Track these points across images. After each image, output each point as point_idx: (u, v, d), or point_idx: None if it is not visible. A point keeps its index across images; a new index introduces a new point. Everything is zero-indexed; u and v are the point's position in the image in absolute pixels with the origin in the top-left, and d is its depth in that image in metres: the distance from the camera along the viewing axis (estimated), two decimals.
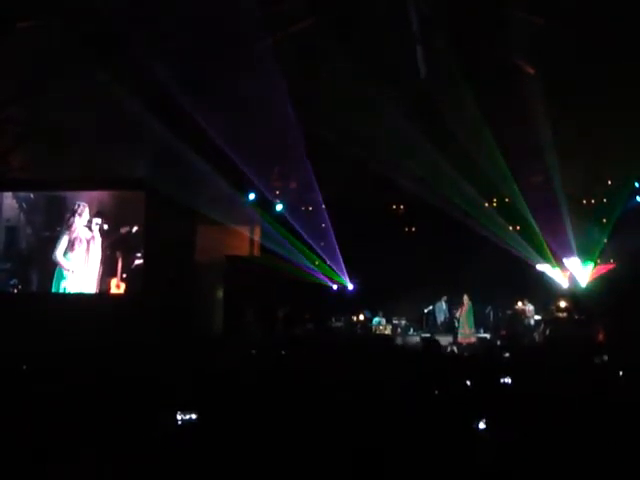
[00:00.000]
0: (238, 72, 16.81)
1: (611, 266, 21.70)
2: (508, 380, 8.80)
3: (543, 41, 16.13)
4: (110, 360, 10.36)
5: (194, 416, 6.67)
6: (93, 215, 21.21)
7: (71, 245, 21.24)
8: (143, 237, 20.99)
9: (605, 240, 21.49)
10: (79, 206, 21.26)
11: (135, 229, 21.04)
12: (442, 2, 15.71)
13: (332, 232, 21.72)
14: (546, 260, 21.65)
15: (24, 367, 10.19)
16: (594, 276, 21.71)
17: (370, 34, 16.15)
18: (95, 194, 21.55)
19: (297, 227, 21.56)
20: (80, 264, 21.22)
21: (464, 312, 21.69)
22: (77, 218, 21.26)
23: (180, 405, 6.79)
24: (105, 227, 21.10)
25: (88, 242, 21.21)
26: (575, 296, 21.36)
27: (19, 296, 21.65)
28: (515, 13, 15.45)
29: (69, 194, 21.75)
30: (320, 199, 21.62)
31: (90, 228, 21.18)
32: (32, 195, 22.11)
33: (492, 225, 21.02)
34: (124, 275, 21.07)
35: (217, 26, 15.38)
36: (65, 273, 21.18)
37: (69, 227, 21.28)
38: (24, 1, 14.88)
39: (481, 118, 18.02)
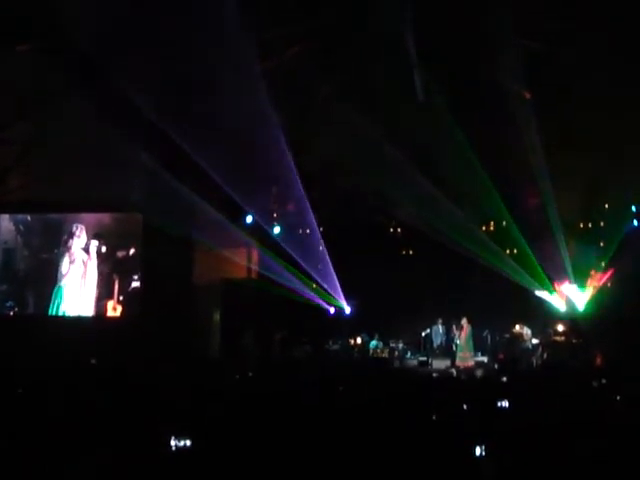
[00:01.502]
0: (233, 99, 16.86)
1: (608, 289, 21.66)
2: (505, 404, 8.78)
3: (539, 65, 16.22)
4: (106, 383, 10.32)
5: (188, 442, 6.61)
6: (90, 237, 21.23)
7: (69, 267, 21.24)
8: (140, 260, 20.98)
9: (603, 264, 21.50)
10: (77, 228, 21.28)
11: (132, 252, 21.04)
12: (437, 27, 15.78)
13: (329, 255, 21.72)
14: (542, 284, 21.64)
15: (19, 391, 10.15)
16: (591, 299, 21.68)
17: (365, 60, 16.23)
18: (92, 216, 21.59)
19: (294, 250, 21.54)
20: (77, 286, 21.20)
21: (464, 335, 21.63)
22: (74, 240, 21.27)
23: (175, 430, 6.74)
24: (102, 249, 21.14)
25: (85, 264, 21.22)
26: (572, 320, 21.31)
27: (16, 318, 21.59)
28: (511, 38, 15.49)
29: (66, 216, 21.80)
30: (316, 222, 21.64)
31: (87, 250, 21.19)
32: (29, 217, 22.13)
33: (488, 249, 21.04)
34: (121, 298, 21.06)
35: (212, 55, 15.49)
36: (62, 295, 21.15)
37: (67, 249, 21.29)
38: (23, 24, 14.91)
39: (477, 142, 18.12)
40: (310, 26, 15.79)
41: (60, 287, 21.36)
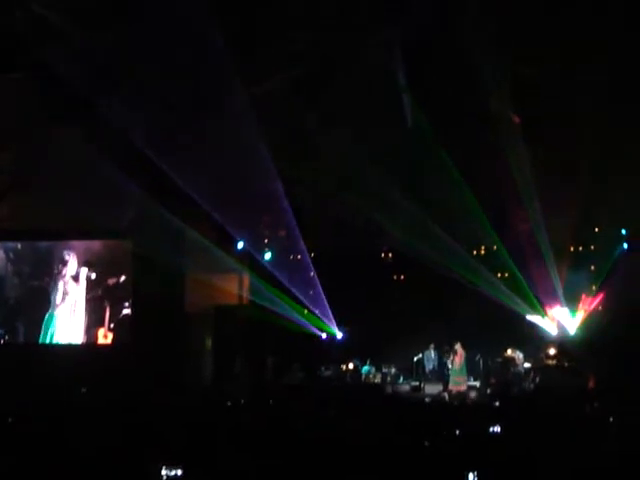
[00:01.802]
0: (223, 127, 16.93)
1: (600, 313, 21.68)
2: (497, 429, 8.77)
3: (528, 90, 16.31)
4: (95, 412, 10.27)
5: (180, 472, 6.58)
6: (81, 265, 21.18)
7: (59, 295, 21.18)
8: (131, 287, 20.92)
9: (594, 287, 21.54)
10: (67, 256, 21.23)
11: (123, 279, 20.98)
12: (426, 53, 15.87)
13: (320, 280, 21.73)
14: (533, 308, 21.66)
15: (9, 420, 10.10)
16: (582, 323, 21.69)
17: (353, 87, 16.29)
18: (83, 244, 21.54)
19: (285, 275, 21.53)
20: (68, 314, 21.14)
21: (459, 360, 21.63)
22: (65, 268, 21.23)
23: (167, 459, 6.71)
24: (92, 277, 21.06)
25: (76, 292, 21.15)
26: (564, 343, 21.31)
27: (6, 347, 21.48)
28: (500, 63, 15.59)
29: (56, 244, 21.74)
30: (307, 248, 21.69)
31: (77, 278, 21.13)
32: (19, 245, 22.08)
33: (479, 274, 21.08)
34: (112, 325, 20.97)
35: (202, 85, 15.59)
36: (53, 323, 21.08)
37: (57, 277, 21.25)
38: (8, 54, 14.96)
39: (466, 167, 18.21)
40: (297, 53, 15.83)
41: (51, 315, 21.26)
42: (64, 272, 21.29)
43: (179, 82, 15.55)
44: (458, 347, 21.56)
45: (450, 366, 21.70)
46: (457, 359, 21.58)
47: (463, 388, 21.08)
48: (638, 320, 19.33)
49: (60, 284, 21.29)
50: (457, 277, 20.74)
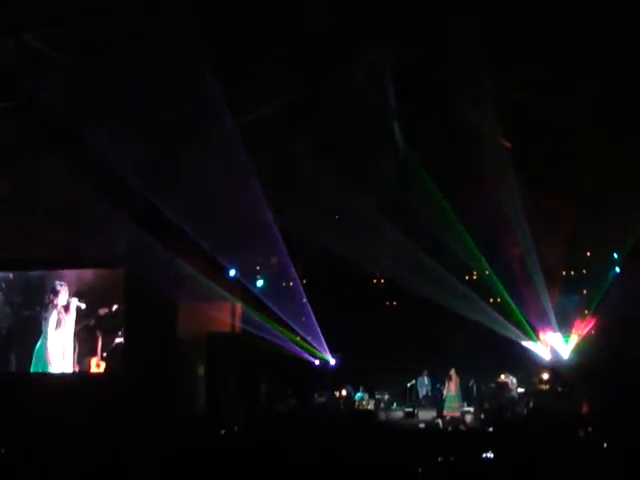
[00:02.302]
0: (212, 156, 17.00)
1: (592, 337, 21.70)
2: (490, 455, 8.75)
3: (518, 114, 16.38)
4: (89, 442, 10.23)
5: None
6: (72, 295, 21.15)
7: (51, 325, 21.13)
8: (123, 316, 20.88)
9: (586, 312, 21.58)
10: (59, 286, 21.20)
11: (115, 307, 20.94)
12: (418, 76, 15.93)
13: (312, 307, 21.74)
14: (526, 334, 21.69)
15: (2, 450, 10.05)
16: (575, 348, 21.71)
17: (341, 113, 16.36)
18: (74, 273, 21.51)
19: (278, 302, 21.54)
20: (60, 344, 21.08)
21: (454, 386, 21.70)
22: (57, 298, 21.19)
23: None
24: (84, 306, 21.02)
25: (68, 321, 21.11)
26: (557, 368, 21.31)
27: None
28: (491, 86, 15.65)
29: (47, 273, 21.71)
30: (299, 274, 21.74)
31: (68, 307, 21.09)
32: (11, 275, 22.04)
33: (471, 299, 21.12)
34: (104, 354, 20.90)
35: (193, 115, 15.69)
36: (44, 353, 21.02)
37: (49, 307, 21.21)
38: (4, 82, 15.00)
39: (456, 192, 18.30)
40: (285, 81, 15.90)
41: (43, 344, 21.19)
42: (56, 302, 21.23)
43: (166, 114, 15.62)
44: (452, 373, 21.65)
45: (445, 392, 21.77)
46: (452, 385, 21.68)
47: (457, 414, 21.12)
48: (631, 344, 19.35)
49: (52, 314, 21.22)
50: (449, 303, 20.78)
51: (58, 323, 21.14)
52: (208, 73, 14.42)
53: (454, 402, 21.67)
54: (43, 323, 21.24)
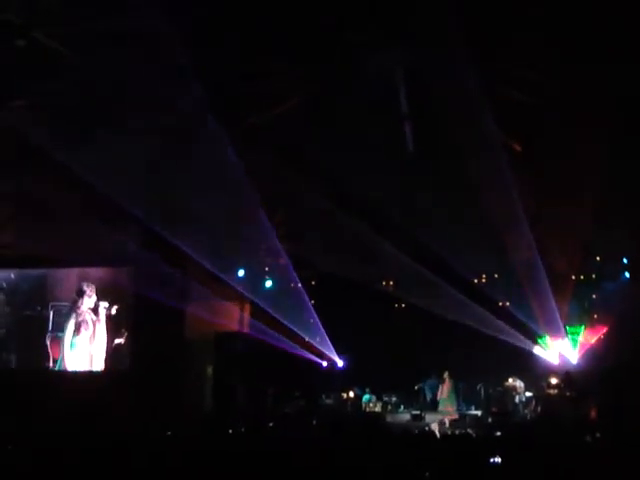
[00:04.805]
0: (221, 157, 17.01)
1: (601, 342, 21.64)
2: (498, 460, 8.72)
3: (530, 118, 16.33)
4: (96, 443, 10.23)
5: None
6: (80, 293, 21.17)
7: (60, 322, 21.20)
8: (131, 314, 20.88)
9: (595, 316, 21.54)
10: (85, 286, 21.21)
11: (122, 306, 20.94)
12: (429, 78, 15.87)
13: (320, 308, 21.76)
14: (535, 338, 21.67)
15: (9, 447, 10.07)
16: (585, 352, 21.66)
17: (353, 113, 16.32)
18: (83, 271, 21.52)
19: (286, 303, 21.54)
20: (68, 341, 21.13)
21: (447, 389, 21.77)
22: (65, 296, 21.27)
23: None
24: (92, 305, 21.04)
25: (75, 320, 21.16)
26: (566, 372, 21.24)
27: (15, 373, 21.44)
28: (501, 89, 15.60)
29: (52, 272, 21.74)
30: (307, 276, 21.75)
31: (76, 304, 21.13)
32: (12, 274, 22.04)
33: (477, 303, 21.11)
34: (110, 352, 20.92)
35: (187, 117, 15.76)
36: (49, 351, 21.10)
37: (54, 305, 21.26)
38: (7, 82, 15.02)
39: (466, 195, 18.26)
40: (295, 81, 15.89)
41: (53, 341, 21.23)
42: (64, 300, 21.29)
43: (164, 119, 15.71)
44: (446, 376, 21.76)
45: (439, 395, 21.89)
46: (445, 388, 21.78)
47: (455, 416, 21.14)
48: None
49: (59, 312, 21.26)
50: (460, 305, 20.76)
51: (66, 321, 21.16)
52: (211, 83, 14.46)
53: (446, 405, 21.76)
54: (48, 321, 21.22)
